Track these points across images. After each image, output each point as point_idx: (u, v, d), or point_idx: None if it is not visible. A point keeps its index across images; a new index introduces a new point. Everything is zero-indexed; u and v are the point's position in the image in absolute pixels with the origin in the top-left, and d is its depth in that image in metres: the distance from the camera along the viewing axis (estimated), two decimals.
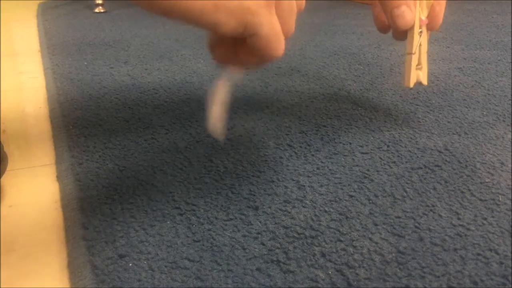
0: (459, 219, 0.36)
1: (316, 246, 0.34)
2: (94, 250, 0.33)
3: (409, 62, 0.48)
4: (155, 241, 0.34)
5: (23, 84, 0.69)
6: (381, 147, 0.47)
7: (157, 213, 0.37)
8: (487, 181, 0.41)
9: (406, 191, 0.40)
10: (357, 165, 0.44)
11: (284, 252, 0.33)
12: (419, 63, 0.48)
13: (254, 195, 0.39)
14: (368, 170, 0.43)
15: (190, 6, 0.29)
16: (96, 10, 1.15)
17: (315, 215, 0.37)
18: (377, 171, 0.43)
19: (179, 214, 0.37)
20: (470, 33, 0.91)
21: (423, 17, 0.46)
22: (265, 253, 0.33)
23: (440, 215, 0.37)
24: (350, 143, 0.48)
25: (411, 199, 0.39)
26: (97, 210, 0.38)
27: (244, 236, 0.35)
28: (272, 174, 0.43)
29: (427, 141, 0.48)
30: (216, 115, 0.41)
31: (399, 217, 0.37)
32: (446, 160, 0.45)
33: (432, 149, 0.47)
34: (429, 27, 0.47)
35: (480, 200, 0.39)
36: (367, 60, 0.75)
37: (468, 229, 0.35)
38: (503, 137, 0.49)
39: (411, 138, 0.49)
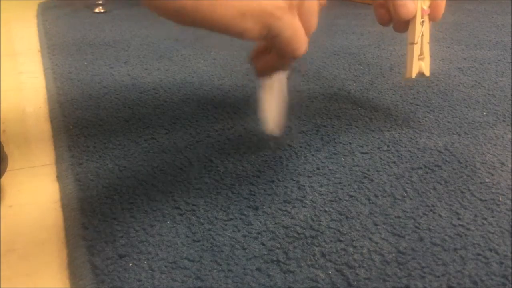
0: (459, 219, 0.36)
1: (316, 246, 0.34)
2: (94, 250, 0.33)
3: (411, 52, 0.48)
4: (155, 241, 0.34)
5: (23, 84, 0.69)
6: (381, 147, 0.47)
7: (157, 213, 0.37)
8: (487, 181, 0.41)
9: (406, 191, 0.40)
10: (357, 165, 0.44)
11: (284, 252, 0.33)
12: (421, 53, 0.48)
13: (254, 195, 0.39)
14: (368, 170, 0.43)
15: (218, 16, 0.30)
16: (96, 10, 1.15)
17: (315, 215, 0.37)
18: (377, 171, 0.43)
19: (179, 214, 0.37)
20: (470, 33, 0.91)
21: (425, 7, 0.46)
22: (265, 253, 0.33)
23: (440, 215, 0.37)
24: (350, 143, 0.48)
25: (411, 199, 0.39)
26: (97, 210, 0.38)
27: (244, 236, 0.35)
28: (272, 174, 0.43)
29: (427, 141, 0.48)
30: (273, 111, 0.42)
31: (399, 217, 0.37)
32: (446, 160, 0.45)
33: (432, 149, 0.47)
34: (431, 17, 0.47)
35: (480, 200, 0.39)
36: (367, 60, 0.75)
37: (468, 229, 0.35)
38: (503, 137, 0.49)
39: (411, 138, 0.49)
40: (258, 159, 0.45)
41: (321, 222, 0.36)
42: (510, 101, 0.58)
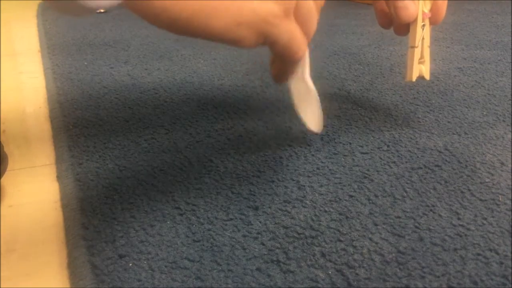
0: (459, 219, 0.36)
1: (316, 246, 0.34)
2: (94, 250, 0.33)
3: (411, 55, 0.48)
4: (155, 241, 0.34)
5: (23, 84, 0.69)
6: (381, 147, 0.47)
7: (157, 213, 0.37)
8: (487, 181, 0.41)
9: (406, 191, 0.40)
10: (357, 165, 0.44)
11: (284, 252, 0.33)
12: (421, 57, 0.48)
13: (254, 195, 0.39)
14: (368, 170, 0.43)
15: (213, 26, 0.30)
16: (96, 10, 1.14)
17: (315, 215, 0.37)
18: (377, 171, 0.43)
19: (179, 214, 0.37)
20: (470, 33, 0.91)
21: (426, 10, 0.46)
22: (265, 253, 0.33)
23: (440, 215, 0.37)
24: (350, 143, 0.48)
25: (411, 199, 0.39)
26: (97, 210, 0.38)
27: (244, 236, 0.35)
28: (272, 174, 0.43)
29: (427, 141, 0.48)
30: (308, 109, 0.43)
31: (399, 217, 0.37)
32: (446, 160, 0.45)
33: (432, 149, 0.47)
34: (432, 21, 0.47)
35: (480, 200, 0.39)
36: (367, 60, 0.75)
37: (468, 229, 0.35)
38: (503, 137, 0.49)
39: (411, 138, 0.49)
40: (258, 159, 0.45)
41: (321, 222, 0.36)
42: (510, 101, 0.58)
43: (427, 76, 0.49)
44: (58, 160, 0.46)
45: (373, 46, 0.82)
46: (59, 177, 0.43)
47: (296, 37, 0.34)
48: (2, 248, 0.35)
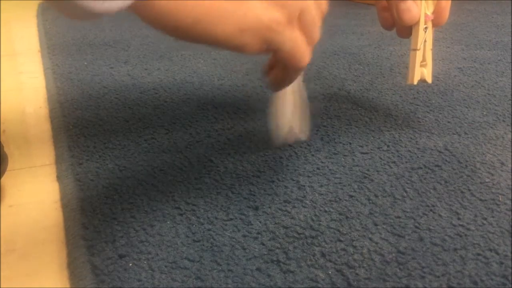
0: (459, 219, 0.36)
1: (316, 246, 0.34)
2: (94, 250, 0.33)
3: (413, 58, 0.47)
4: (155, 241, 0.34)
5: (23, 84, 0.69)
6: (381, 147, 0.47)
7: (157, 213, 0.37)
8: (487, 181, 0.41)
9: (406, 191, 0.40)
10: (357, 165, 0.44)
11: (284, 252, 0.33)
12: (423, 60, 0.48)
13: (254, 195, 0.39)
14: (368, 170, 0.43)
15: (217, 33, 0.30)
16: None
17: (315, 215, 0.37)
18: (377, 171, 0.43)
19: (179, 214, 0.37)
20: (470, 33, 0.91)
21: (429, 13, 0.46)
22: (265, 253, 0.33)
23: (440, 215, 0.37)
24: (350, 143, 0.48)
25: (411, 199, 0.39)
26: (97, 210, 0.38)
27: (244, 236, 0.35)
28: (272, 174, 0.43)
29: (427, 141, 0.48)
30: (289, 120, 0.42)
31: (399, 217, 0.37)
32: (446, 160, 0.45)
33: (432, 149, 0.47)
34: (435, 24, 0.47)
35: (480, 200, 0.39)
36: (367, 60, 0.75)
37: (468, 229, 0.35)
38: (503, 137, 0.49)
39: (411, 138, 0.49)
40: (258, 159, 0.45)
41: (321, 222, 0.36)
42: (510, 101, 0.58)
43: (429, 79, 0.49)
44: (58, 160, 0.46)
45: (373, 46, 0.82)
46: (59, 177, 0.43)
47: (299, 45, 0.34)
48: (2, 248, 0.35)
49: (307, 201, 0.39)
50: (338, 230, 0.35)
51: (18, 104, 0.61)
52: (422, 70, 0.48)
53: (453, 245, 0.34)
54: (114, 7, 0.26)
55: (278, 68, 0.38)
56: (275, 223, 0.36)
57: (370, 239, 0.34)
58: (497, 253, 0.33)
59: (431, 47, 0.48)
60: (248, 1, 0.31)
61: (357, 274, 0.31)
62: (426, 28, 0.46)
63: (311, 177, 0.42)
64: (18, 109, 0.60)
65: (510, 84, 0.63)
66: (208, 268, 0.32)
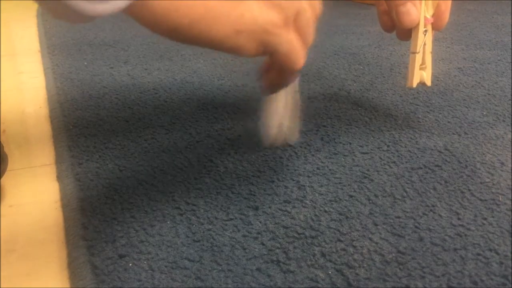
0: (459, 219, 0.36)
1: (316, 246, 0.34)
2: (94, 250, 0.33)
3: (412, 61, 0.47)
4: (155, 241, 0.34)
5: (23, 84, 0.69)
6: (381, 147, 0.47)
7: (157, 213, 0.37)
8: (487, 181, 0.41)
9: (406, 191, 0.40)
10: (357, 165, 0.44)
11: (284, 252, 0.33)
12: (423, 63, 0.48)
13: (254, 195, 0.39)
14: (368, 170, 0.43)
15: (214, 35, 0.30)
16: None
17: (315, 215, 0.37)
18: (377, 171, 0.43)
19: (179, 214, 0.37)
20: (470, 33, 0.91)
21: (428, 16, 0.46)
22: (265, 253, 0.33)
23: (440, 215, 0.37)
24: (350, 143, 0.48)
25: (411, 199, 0.39)
26: (97, 210, 0.38)
27: (244, 236, 0.35)
28: (272, 174, 0.43)
29: (427, 141, 0.48)
30: (279, 122, 0.42)
31: (399, 217, 0.37)
32: (446, 160, 0.45)
33: (432, 149, 0.47)
34: (434, 27, 0.47)
35: (480, 200, 0.39)
36: (367, 60, 0.75)
37: (468, 229, 0.35)
38: (503, 137, 0.49)
39: (411, 138, 0.49)
40: (258, 159, 0.45)
41: (321, 222, 0.36)
42: (510, 101, 0.58)
43: (428, 82, 0.49)
44: (58, 160, 0.46)
45: (373, 46, 0.82)
46: (59, 177, 0.43)
47: (296, 47, 0.34)
48: (2, 248, 0.35)
49: (307, 201, 0.39)
50: (338, 230, 0.35)
51: (18, 104, 0.61)
52: (422, 73, 0.48)
53: (453, 245, 0.34)
54: (108, 10, 0.25)
55: (274, 70, 0.38)
56: (275, 223, 0.36)
57: (370, 239, 0.34)
58: (497, 253, 0.33)
59: (430, 50, 0.48)
60: (244, 3, 0.30)
61: (357, 274, 0.31)
62: (425, 31, 0.46)
63: (311, 177, 0.42)
64: (18, 109, 0.60)
65: (510, 84, 0.63)
66: (208, 268, 0.32)
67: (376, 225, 0.36)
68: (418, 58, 0.47)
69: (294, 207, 0.38)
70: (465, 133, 0.50)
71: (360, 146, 0.47)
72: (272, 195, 0.39)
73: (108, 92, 0.61)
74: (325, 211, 0.37)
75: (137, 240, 0.34)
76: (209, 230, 0.35)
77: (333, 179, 0.42)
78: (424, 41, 0.46)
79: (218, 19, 0.30)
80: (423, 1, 0.45)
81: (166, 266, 0.32)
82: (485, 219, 0.36)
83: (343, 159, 0.45)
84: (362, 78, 0.66)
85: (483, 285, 0.30)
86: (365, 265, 0.32)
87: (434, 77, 0.66)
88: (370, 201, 0.39)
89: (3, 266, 0.33)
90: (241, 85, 0.64)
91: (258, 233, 0.35)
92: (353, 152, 0.46)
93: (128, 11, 0.27)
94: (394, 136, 0.49)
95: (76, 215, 0.37)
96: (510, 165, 0.44)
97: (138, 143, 0.48)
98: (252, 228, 0.36)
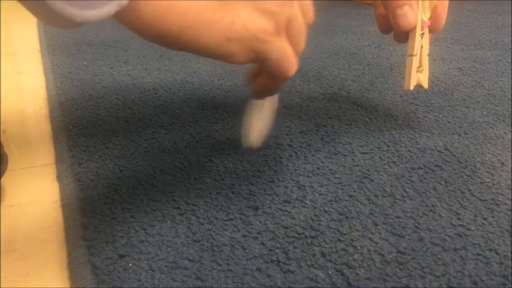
0: (459, 219, 0.36)
1: (316, 246, 0.34)
2: (94, 250, 0.33)
3: (409, 64, 0.47)
4: (155, 241, 0.34)
5: (23, 84, 0.69)
6: (381, 147, 0.47)
7: (157, 213, 0.37)
8: (487, 181, 0.41)
9: (406, 191, 0.40)
10: (357, 165, 0.44)
11: (284, 252, 0.33)
12: (420, 65, 0.48)
13: (254, 195, 0.39)
14: (368, 170, 0.43)
15: (204, 42, 0.30)
16: None
17: (315, 215, 0.37)
18: (377, 171, 0.43)
19: (179, 214, 0.37)
20: (470, 33, 0.91)
21: (425, 19, 0.46)
22: (265, 253, 0.33)
23: (440, 215, 0.37)
24: (350, 143, 0.48)
25: (411, 199, 0.39)
26: (97, 210, 0.38)
27: (244, 236, 0.35)
28: (272, 174, 0.43)
29: (427, 141, 0.48)
30: (259, 127, 0.43)
31: (399, 217, 0.37)
32: (446, 160, 0.45)
33: (432, 149, 0.47)
34: (431, 29, 0.47)
35: (480, 200, 0.39)
36: (367, 60, 0.75)
37: (468, 229, 0.35)
38: (503, 137, 0.49)
39: (411, 138, 0.49)
40: (258, 159, 0.45)
41: (321, 222, 0.36)
42: (510, 101, 0.58)
43: (425, 85, 0.49)
44: (58, 160, 0.46)
45: (373, 46, 0.82)
46: (59, 177, 0.43)
47: (287, 54, 0.34)
48: (2, 248, 0.35)
49: (307, 201, 0.39)
50: (338, 230, 0.35)
51: (18, 104, 0.61)
52: (419, 76, 0.48)
53: (453, 245, 0.34)
54: (97, 16, 0.25)
55: (264, 76, 0.38)
56: (275, 223, 0.36)
57: (370, 239, 0.34)
58: (497, 253, 0.33)
59: (427, 52, 0.48)
60: (234, 10, 0.30)
61: (357, 274, 0.31)
62: (422, 34, 0.46)
63: (311, 177, 0.42)
64: (18, 109, 0.60)
65: (510, 84, 0.63)
66: (208, 268, 0.32)
67: (376, 225, 0.36)
68: (415, 60, 0.47)
69: (294, 207, 0.38)
70: (465, 133, 0.50)
71: (360, 146, 0.47)
72: (272, 195, 0.39)
73: (108, 92, 0.61)
74: (325, 211, 0.37)
75: (137, 240, 0.34)
76: (209, 230, 0.35)
77: (333, 179, 0.42)
78: (421, 44, 0.46)
79: (208, 26, 0.29)
80: (420, 3, 0.45)
81: (166, 266, 0.32)
82: (485, 219, 0.36)
83: (343, 159, 0.45)
84: (362, 78, 0.66)
85: (483, 285, 0.30)
86: (365, 265, 0.32)
87: (434, 77, 0.66)
88: (370, 201, 0.39)
89: (3, 266, 0.33)
90: (241, 85, 0.64)
91: (258, 233, 0.35)
92: (353, 152, 0.46)
93: (117, 17, 0.27)
94: (394, 136, 0.49)
95: (76, 215, 0.37)
96: (510, 165, 0.44)
97: (138, 143, 0.48)
98: (252, 228, 0.36)
